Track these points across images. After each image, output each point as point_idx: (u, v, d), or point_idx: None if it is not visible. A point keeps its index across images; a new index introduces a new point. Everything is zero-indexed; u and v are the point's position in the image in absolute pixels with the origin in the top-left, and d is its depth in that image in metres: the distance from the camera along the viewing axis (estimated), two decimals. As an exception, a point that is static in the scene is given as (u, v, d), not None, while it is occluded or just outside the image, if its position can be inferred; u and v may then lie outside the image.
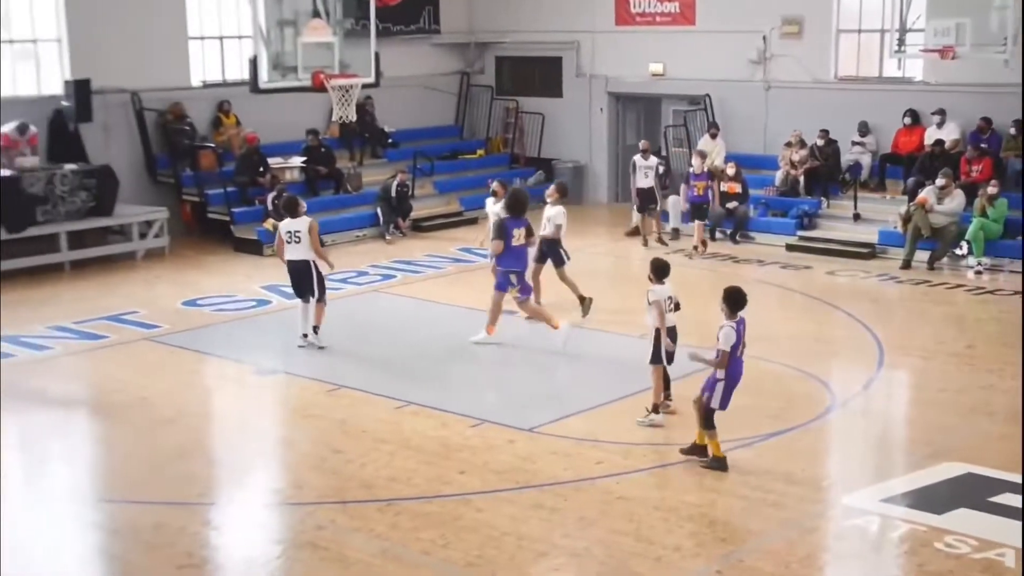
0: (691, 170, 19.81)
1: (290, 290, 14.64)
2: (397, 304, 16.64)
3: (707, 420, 10.29)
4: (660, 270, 11.31)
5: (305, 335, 14.13)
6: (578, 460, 10.56)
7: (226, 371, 13.64)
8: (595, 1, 24.56)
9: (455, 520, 9.30)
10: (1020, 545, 8.71)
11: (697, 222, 19.74)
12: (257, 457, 11.18)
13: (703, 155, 20.04)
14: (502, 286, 14.16)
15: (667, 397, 11.52)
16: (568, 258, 15.41)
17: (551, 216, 15.25)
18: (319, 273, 14.07)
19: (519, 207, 14.23)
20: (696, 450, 10.42)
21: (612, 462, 10.49)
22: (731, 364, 10.15)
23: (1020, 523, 8.95)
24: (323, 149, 22.12)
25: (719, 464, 10.23)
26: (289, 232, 13.93)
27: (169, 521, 9.36)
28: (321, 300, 14.12)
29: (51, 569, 8.78)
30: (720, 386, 10.16)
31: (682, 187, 20.24)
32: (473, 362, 13.81)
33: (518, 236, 14.05)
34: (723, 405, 10.23)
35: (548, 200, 15.48)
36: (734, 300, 10.19)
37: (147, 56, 20.65)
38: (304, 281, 14.00)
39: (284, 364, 13.71)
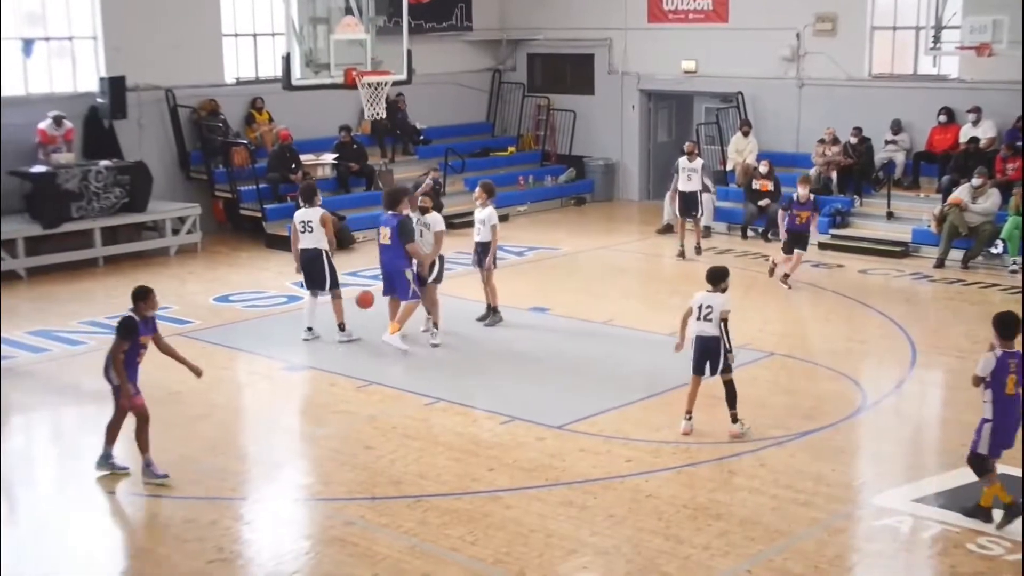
0: (794, 198, 17.45)
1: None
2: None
3: (977, 467, 9.15)
4: (713, 275, 10.98)
5: (310, 328, 14.29)
6: (607, 458, 10.54)
7: (257, 367, 13.69)
8: (627, -2, 24.55)
9: (484, 517, 9.30)
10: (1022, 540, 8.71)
11: (796, 251, 17.37)
12: (287, 453, 11.22)
13: (808, 181, 17.76)
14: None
15: (733, 419, 11.01)
16: (495, 264, 14.98)
17: (484, 218, 14.76)
18: (331, 264, 14.19)
19: (389, 202, 13.92)
20: (980, 512, 9.15)
21: (641, 460, 10.46)
22: (999, 403, 8.94)
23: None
24: (355, 145, 22.18)
25: (1011, 513, 8.94)
26: (303, 222, 14.11)
27: (200, 515, 9.41)
28: (335, 294, 14.22)
29: (83, 562, 8.86)
30: (987, 428, 9.00)
31: (779, 213, 18.02)
32: (503, 359, 13.79)
33: (383, 235, 13.77)
34: (992, 451, 9.05)
35: (476, 203, 15.02)
36: (1004, 325, 8.99)
37: (181, 53, 20.77)
38: (315, 271, 14.12)
39: (314, 360, 13.74)
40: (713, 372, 10.97)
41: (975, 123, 20.18)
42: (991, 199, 18.38)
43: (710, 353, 10.88)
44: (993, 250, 18.35)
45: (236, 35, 22.04)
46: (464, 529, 9.07)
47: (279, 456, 11.07)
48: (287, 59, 14.47)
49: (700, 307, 10.85)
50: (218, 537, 9.05)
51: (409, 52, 15.66)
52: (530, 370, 13.34)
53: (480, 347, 14.21)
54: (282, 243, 19.92)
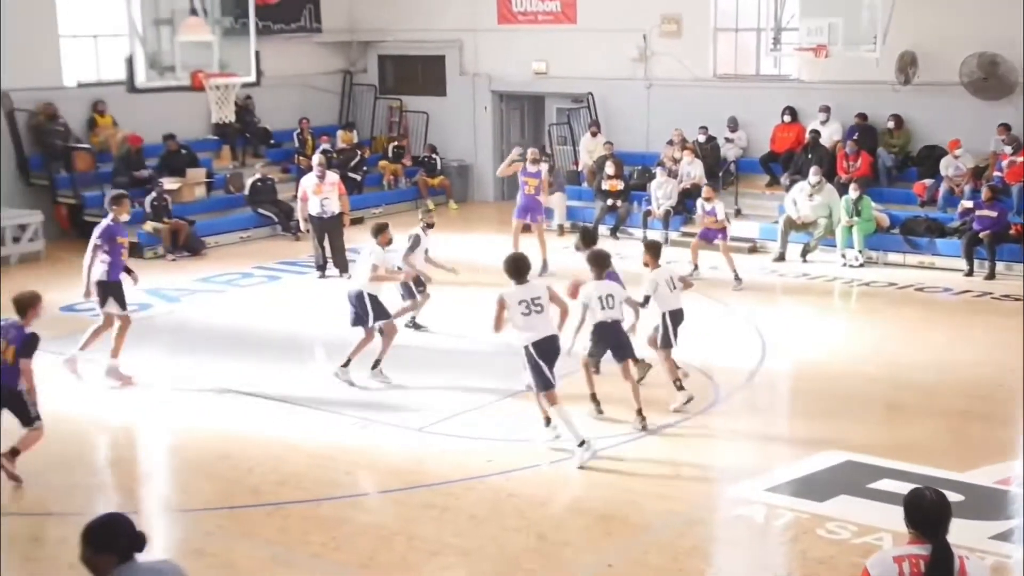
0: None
1: (175, 293, 14.42)
2: (277, 305, 16.43)
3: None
4: (597, 260, 11.38)
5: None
6: (468, 458, 10.55)
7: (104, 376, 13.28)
8: (477, -1, 24.62)
9: (345, 522, 9.22)
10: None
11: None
12: (141, 465, 10.94)
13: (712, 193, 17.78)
14: None
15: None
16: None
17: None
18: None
19: None
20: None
21: (501, 460, 10.49)
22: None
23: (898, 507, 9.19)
24: (183, 151, 21.66)
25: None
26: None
27: (48, 533, 9.10)
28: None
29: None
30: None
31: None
32: (357, 361, 13.64)
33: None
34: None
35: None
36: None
37: (16, 55, 19.96)
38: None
39: (168, 367, 13.41)
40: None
41: (824, 122, 20.78)
42: (825, 194, 18.90)
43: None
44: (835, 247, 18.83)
45: (75, 36, 21.39)
46: (326, 535, 8.98)
47: (132, 468, 10.78)
48: (130, 61, 14.10)
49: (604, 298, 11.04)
50: (70, 555, 8.75)
51: (257, 53, 15.42)
52: (388, 372, 13.20)
53: (332, 349, 14.03)
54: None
